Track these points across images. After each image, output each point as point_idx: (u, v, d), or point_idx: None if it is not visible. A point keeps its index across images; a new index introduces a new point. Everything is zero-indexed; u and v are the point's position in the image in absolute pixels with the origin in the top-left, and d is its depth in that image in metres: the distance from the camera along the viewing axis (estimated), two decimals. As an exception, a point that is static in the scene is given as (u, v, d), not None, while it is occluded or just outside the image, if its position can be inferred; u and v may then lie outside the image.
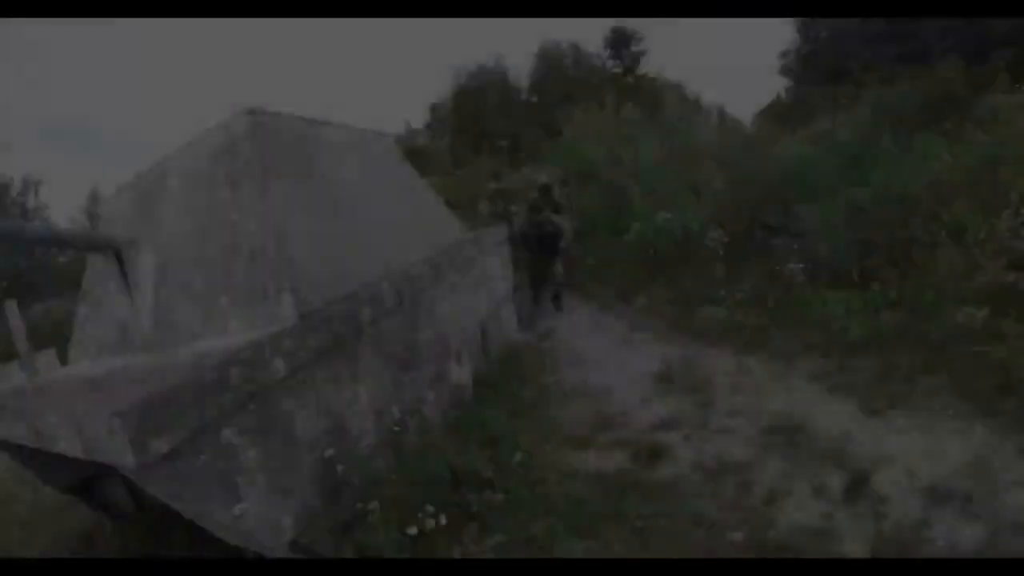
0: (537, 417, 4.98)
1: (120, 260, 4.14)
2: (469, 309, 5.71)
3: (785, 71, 31.60)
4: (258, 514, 2.69)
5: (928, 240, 5.56)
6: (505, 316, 7.22)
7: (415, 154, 27.64)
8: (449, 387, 4.89)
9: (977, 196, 5.68)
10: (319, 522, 2.96)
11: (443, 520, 3.15)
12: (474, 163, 20.44)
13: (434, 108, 36.71)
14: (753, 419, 4.48)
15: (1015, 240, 5.03)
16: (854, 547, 3.03)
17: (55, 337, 9.30)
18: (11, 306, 8.57)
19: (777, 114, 19.73)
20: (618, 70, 34.06)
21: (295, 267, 3.48)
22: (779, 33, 32.54)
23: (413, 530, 3.05)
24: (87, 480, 4.22)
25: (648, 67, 33.26)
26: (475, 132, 33.23)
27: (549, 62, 33.84)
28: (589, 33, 46.95)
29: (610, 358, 6.30)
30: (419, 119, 36.48)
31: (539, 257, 8.40)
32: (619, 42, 34.10)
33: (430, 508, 3.17)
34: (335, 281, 3.77)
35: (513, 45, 64.96)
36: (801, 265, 6.25)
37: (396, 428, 3.80)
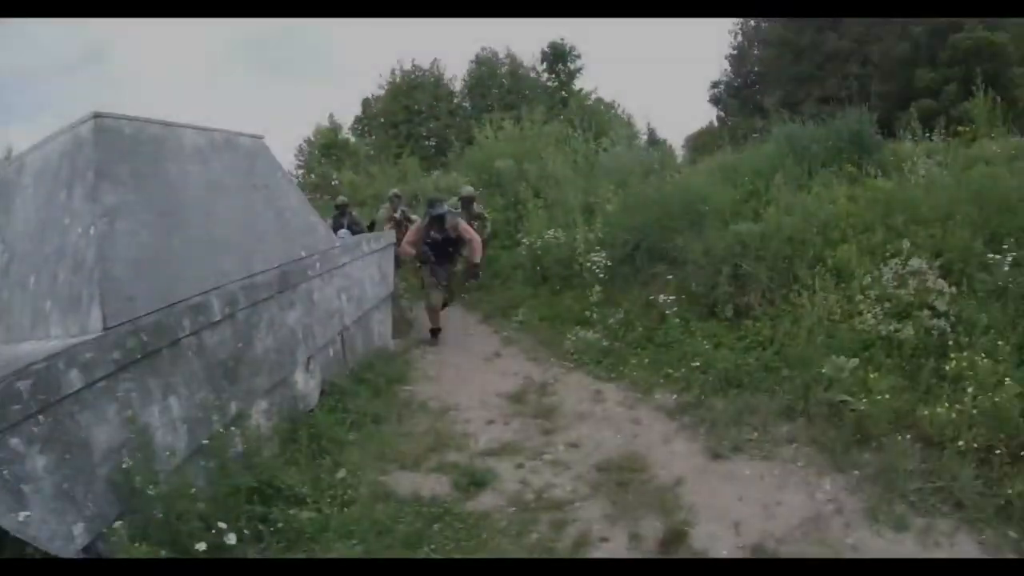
0: (377, 432, 4.86)
1: None
2: (328, 317, 5.58)
3: (714, 100, 32.70)
4: (44, 521, 2.67)
5: (810, 282, 5.50)
6: (376, 324, 7.07)
7: (335, 148, 27.34)
8: (290, 398, 4.77)
9: (868, 241, 5.70)
10: (119, 531, 2.84)
11: (231, 538, 3.04)
12: (397, 162, 20.34)
13: (366, 103, 36.27)
14: (591, 452, 4.38)
15: (899, 289, 5.02)
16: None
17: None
18: None
19: (704, 142, 20.26)
20: (553, 84, 34.45)
21: (111, 277, 3.42)
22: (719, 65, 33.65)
23: (202, 546, 2.93)
24: None
25: (583, 84, 33.77)
26: (404, 131, 33.09)
27: (485, 69, 33.97)
28: (529, 46, 47.44)
29: (472, 374, 6.23)
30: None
31: (439, 265, 7.80)
32: (556, 57, 34.47)
33: (221, 524, 3.05)
34: (162, 291, 3.71)
35: (452, 48, 65.42)
36: (672, 296, 6.25)
37: (207, 440, 3.65)
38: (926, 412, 3.94)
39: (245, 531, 3.20)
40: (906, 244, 5.30)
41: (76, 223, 3.59)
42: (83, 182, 3.68)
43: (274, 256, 5.07)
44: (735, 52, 31.27)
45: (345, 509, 3.66)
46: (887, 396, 4.14)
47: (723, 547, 3.24)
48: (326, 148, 26.72)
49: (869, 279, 5.30)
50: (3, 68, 43.08)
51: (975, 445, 3.63)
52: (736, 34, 31.35)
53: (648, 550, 3.28)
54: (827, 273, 5.49)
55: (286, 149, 29.84)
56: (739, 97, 28.80)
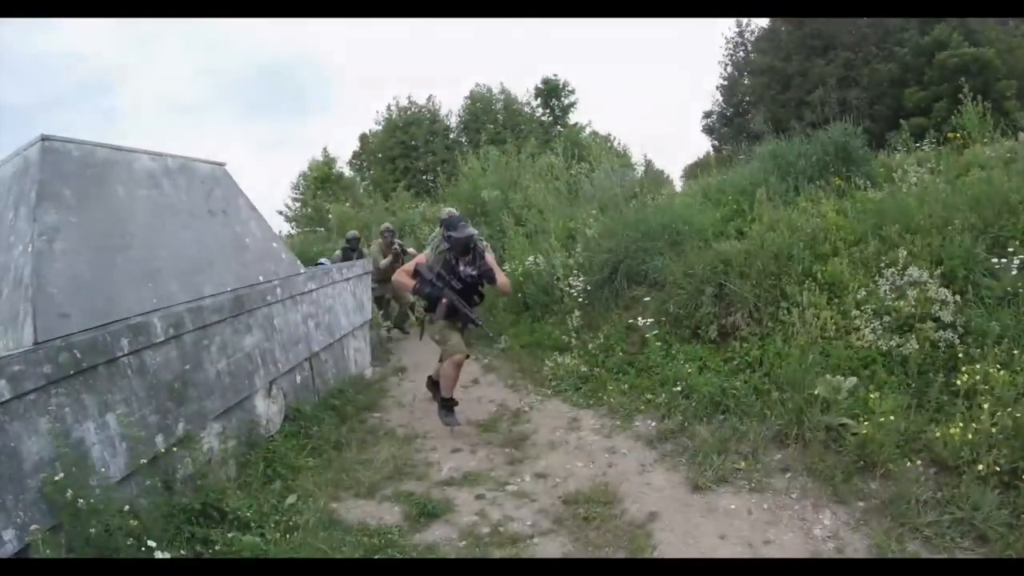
0: (336, 458, 4.60)
1: None
2: (292, 343, 5.51)
3: (708, 130, 32.97)
4: (-28, 526, 2.70)
5: (799, 298, 5.14)
6: (352, 351, 6.95)
7: (329, 181, 27.47)
8: (249, 422, 4.68)
9: (861, 253, 5.37)
10: (53, 539, 2.89)
11: (164, 556, 2.95)
12: (391, 196, 20.32)
13: (363, 138, 36.67)
14: (559, 484, 4.02)
15: (898, 300, 4.65)
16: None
17: None
18: None
19: (700, 172, 20.12)
20: (547, 119, 34.83)
21: (45, 294, 3.55)
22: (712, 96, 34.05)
23: None
24: None
25: (577, 119, 34.13)
26: (401, 166, 33.35)
27: (479, 105, 34.31)
28: (523, 82, 48.30)
29: (446, 401, 5.96)
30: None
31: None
32: (549, 92, 34.93)
33: (151, 543, 2.98)
34: (100, 310, 3.83)
35: (448, 83, 66.86)
36: (652, 319, 5.94)
37: (151, 459, 3.62)
38: (938, 433, 3.52)
39: (182, 551, 3.12)
40: (902, 254, 4.93)
41: (18, 242, 3.77)
42: (27, 202, 3.86)
43: (228, 281, 5.15)
44: (726, 82, 31.61)
45: (288, 536, 3.44)
46: (892, 417, 3.68)
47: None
48: (320, 181, 26.79)
49: (864, 292, 4.94)
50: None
51: (997, 468, 3.19)
52: (726, 64, 31.76)
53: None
54: (818, 288, 5.14)
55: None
56: (731, 126, 29.01)
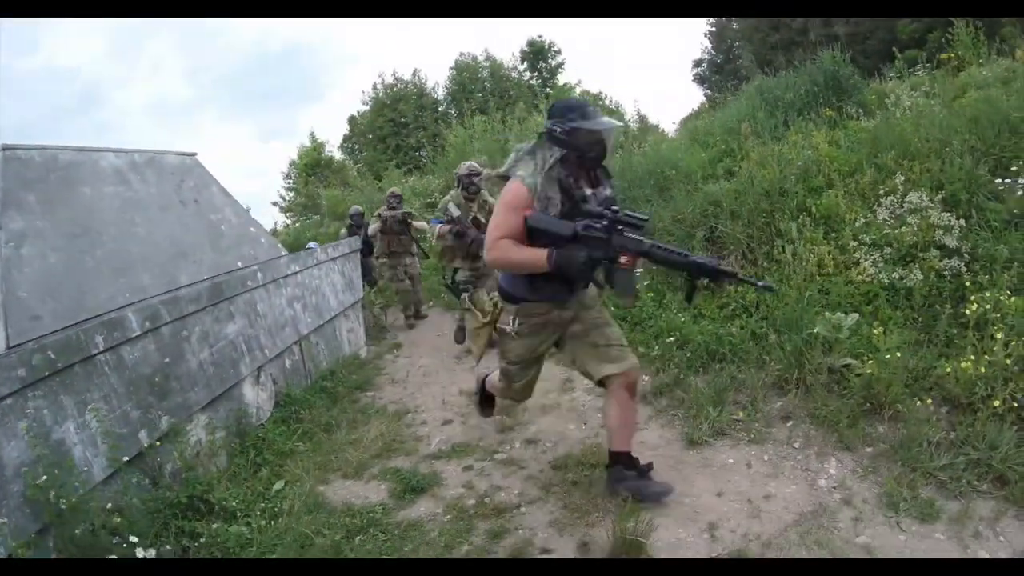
0: (326, 440, 4.48)
1: None
2: (279, 327, 5.40)
3: (699, 79, 32.44)
4: (-45, 533, 2.71)
5: (794, 235, 4.91)
6: (344, 332, 6.83)
7: (320, 166, 27.10)
8: (236, 411, 4.60)
9: (856, 184, 5.13)
10: (41, 542, 2.90)
11: (150, 552, 2.91)
12: (385, 175, 20.07)
13: (352, 120, 36.21)
14: (550, 449, 3.86)
15: (899, 229, 4.42)
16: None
17: None
18: None
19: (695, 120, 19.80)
20: (535, 82, 34.28)
21: (16, 298, 3.64)
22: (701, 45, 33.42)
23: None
24: None
25: (566, 79, 33.54)
26: (393, 144, 32.93)
27: (466, 74, 33.75)
28: (508, 46, 47.49)
29: (440, 374, 5.78)
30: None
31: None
32: (535, 55, 34.33)
33: (132, 538, 2.91)
34: (72, 310, 3.91)
35: (432, 57, 66.08)
36: (641, 269, 5.85)
37: (134, 456, 3.59)
38: (949, 369, 3.31)
39: (167, 547, 3.07)
40: (900, 180, 4.71)
41: (-17, 250, 3.84)
42: None
43: (204, 269, 5.15)
44: (713, 28, 30.93)
45: (272, 522, 3.36)
46: (899, 354, 3.46)
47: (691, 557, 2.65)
48: (310, 167, 26.47)
49: (862, 223, 4.73)
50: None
51: (1015, 403, 2.99)
52: (711, 9, 31.03)
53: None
54: (813, 223, 4.92)
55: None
56: (722, 73, 28.43)
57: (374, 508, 3.42)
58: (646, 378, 4.49)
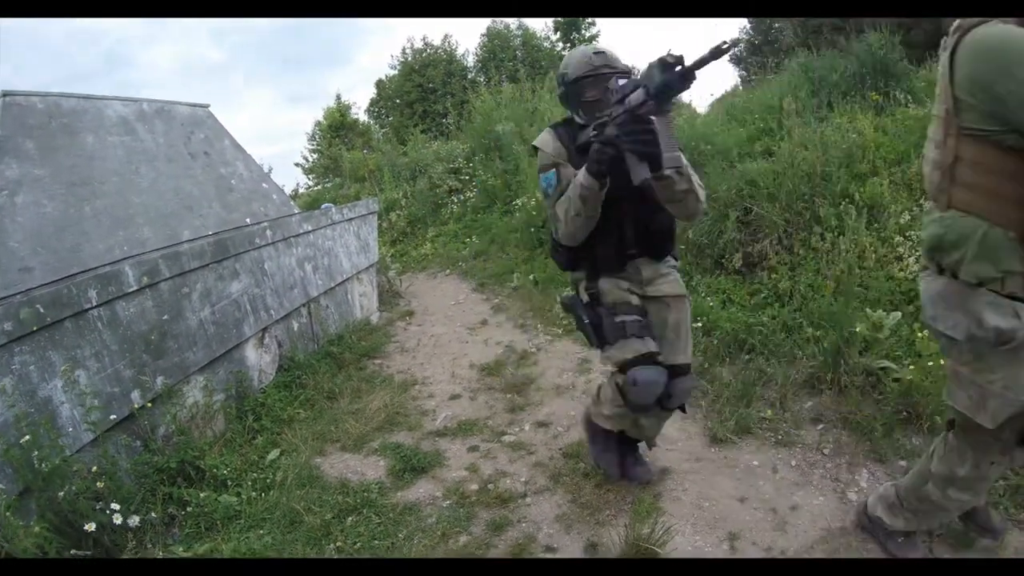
0: (328, 409, 4.32)
1: None
2: (287, 288, 5.23)
3: (735, 60, 31.57)
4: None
5: (835, 223, 4.64)
6: (357, 296, 6.64)
7: (344, 128, 26.86)
8: (236, 373, 4.46)
9: (903, 174, 4.86)
10: (24, 503, 2.80)
11: (134, 520, 2.83)
12: (411, 139, 19.79)
13: (380, 84, 35.82)
14: (561, 434, 3.65)
15: None
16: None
17: None
18: None
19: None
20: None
21: (7, 249, 3.59)
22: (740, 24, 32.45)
23: (91, 526, 2.73)
24: None
25: (599, 50, 32.75)
26: (420, 110, 32.52)
27: (497, 42, 33.14)
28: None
29: (452, 345, 5.58)
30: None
31: None
32: (569, 25, 33.59)
33: (114, 505, 2.82)
34: (67, 262, 3.84)
35: (464, 24, 65.06)
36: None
37: (125, 417, 3.47)
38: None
39: (152, 514, 2.95)
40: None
41: (-19, 199, 3.83)
42: None
43: (210, 224, 5.04)
44: (744, 7, 29.96)
45: (264, 495, 3.24)
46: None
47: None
48: (335, 128, 26.22)
49: (908, 217, 4.43)
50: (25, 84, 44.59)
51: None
52: (755, -13, 30.10)
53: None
54: (855, 212, 4.59)
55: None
56: (760, 54, 27.57)
57: (370, 487, 3.25)
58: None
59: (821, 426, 3.34)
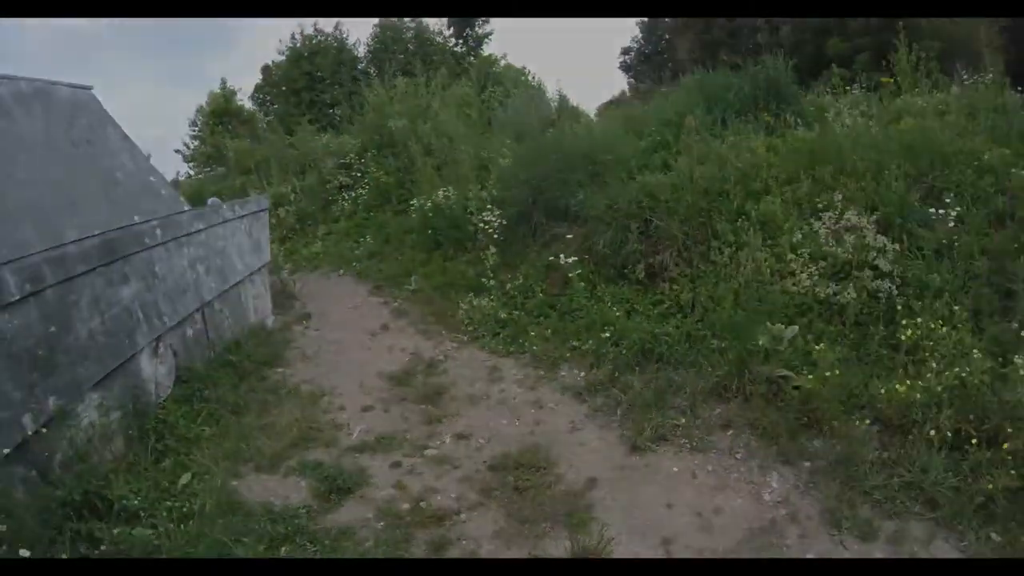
0: (236, 425, 4.09)
1: None
2: (179, 292, 4.86)
3: (625, 68, 32.53)
4: None
5: (732, 238, 4.90)
6: (250, 298, 6.29)
7: (228, 115, 25.48)
8: (132, 388, 4.10)
9: (794, 193, 5.16)
10: None
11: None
12: (298, 129, 19.02)
13: (266, 70, 34.20)
14: (484, 446, 3.69)
15: (836, 247, 4.46)
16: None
17: None
18: None
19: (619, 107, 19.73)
20: (460, 49, 33.54)
21: None
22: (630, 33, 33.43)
23: None
24: None
25: (492, 50, 32.96)
26: (307, 99, 31.34)
27: (389, 34, 32.54)
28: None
29: (355, 352, 5.48)
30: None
31: None
32: (462, 22, 33.52)
33: (23, 552, 2.52)
34: None
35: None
36: (575, 257, 5.58)
37: (7, 450, 3.05)
38: (882, 390, 3.40)
39: (63, 556, 2.67)
40: (838, 197, 4.78)
41: None
42: None
43: (96, 223, 4.56)
44: (646, 19, 31.08)
45: (183, 525, 3.01)
46: (836, 371, 3.53)
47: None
48: (219, 116, 24.74)
49: (800, 235, 4.76)
50: None
51: (948, 433, 3.06)
52: (648, 0, 31.20)
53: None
54: (751, 228, 4.90)
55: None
56: (650, 63, 28.62)
57: (297, 511, 3.15)
58: (580, 374, 4.40)
59: (731, 432, 3.57)
